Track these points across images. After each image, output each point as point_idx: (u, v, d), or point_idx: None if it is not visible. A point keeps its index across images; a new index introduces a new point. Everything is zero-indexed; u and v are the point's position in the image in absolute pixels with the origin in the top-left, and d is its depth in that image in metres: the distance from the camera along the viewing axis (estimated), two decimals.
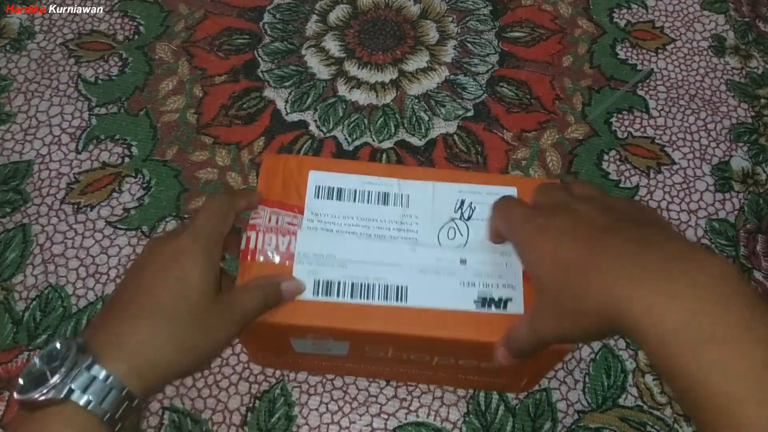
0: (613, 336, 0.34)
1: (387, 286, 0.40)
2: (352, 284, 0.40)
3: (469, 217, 0.42)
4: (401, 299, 0.39)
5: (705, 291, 0.27)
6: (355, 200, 0.43)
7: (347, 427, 0.51)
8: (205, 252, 0.35)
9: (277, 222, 0.42)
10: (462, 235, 0.42)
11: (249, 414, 0.51)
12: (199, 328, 0.34)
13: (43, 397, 0.29)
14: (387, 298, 0.39)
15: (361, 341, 0.41)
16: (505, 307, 0.39)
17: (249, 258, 0.40)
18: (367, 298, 0.39)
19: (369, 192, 0.43)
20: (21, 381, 0.30)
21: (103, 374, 0.30)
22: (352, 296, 0.39)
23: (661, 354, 0.27)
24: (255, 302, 0.37)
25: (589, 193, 0.36)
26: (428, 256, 0.41)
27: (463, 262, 0.40)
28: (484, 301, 0.39)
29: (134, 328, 0.32)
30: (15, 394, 0.29)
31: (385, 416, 0.51)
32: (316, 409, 0.51)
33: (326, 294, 0.40)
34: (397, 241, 0.41)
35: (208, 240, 0.36)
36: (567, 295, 0.31)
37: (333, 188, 0.43)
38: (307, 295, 0.40)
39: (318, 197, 0.43)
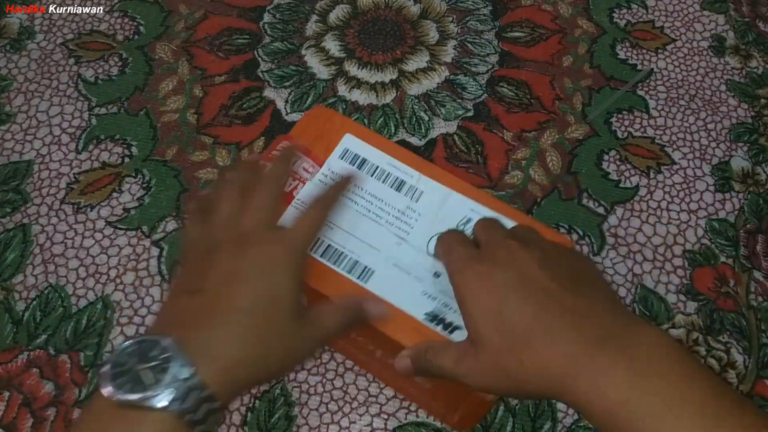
0: (548, 399, 0.34)
1: (356, 262, 0.40)
2: (327, 246, 0.41)
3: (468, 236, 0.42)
4: (363, 279, 0.40)
5: (642, 366, 0.28)
6: (372, 175, 0.44)
7: (347, 427, 0.51)
8: (297, 265, 0.35)
9: (294, 163, 0.44)
10: None
11: (249, 414, 0.51)
12: (283, 344, 0.33)
13: (141, 403, 0.28)
14: (351, 272, 0.40)
15: (313, 299, 0.41)
16: (451, 332, 0.38)
17: None
18: (334, 264, 0.40)
19: (388, 174, 0.44)
20: (111, 371, 0.29)
21: (201, 386, 0.29)
22: (322, 255, 0.40)
23: (605, 428, 0.28)
24: (338, 324, 0.36)
25: (530, 236, 0.36)
26: (408, 256, 0.41)
27: (436, 275, 0.40)
28: (435, 318, 0.39)
29: (230, 344, 0.31)
30: (107, 387, 0.28)
31: (385, 416, 0.51)
32: (316, 409, 0.51)
33: None
34: (389, 231, 0.42)
35: (301, 253, 0.35)
36: (510, 358, 0.31)
37: (358, 156, 0.45)
38: None
39: (342, 158, 0.45)
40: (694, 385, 0.28)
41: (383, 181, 0.44)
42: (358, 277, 0.40)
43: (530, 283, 0.32)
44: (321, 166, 0.44)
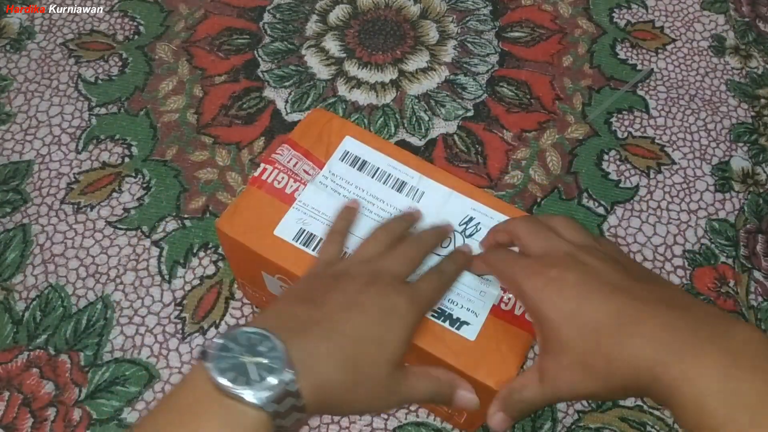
0: (634, 396, 0.33)
1: None
2: None
3: (470, 235, 0.43)
4: None
5: (735, 358, 0.27)
6: (373, 177, 0.45)
7: (347, 427, 0.51)
8: (413, 322, 0.35)
9: (295, 165, 0.44)
10: (455, 247, 0.42)
11: None
12: (374, 387, 0.33)
13: (240, 395, 0.28)
14: None
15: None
16: (459, 328, 0.39)
17: (257, 186, 0.43)
18: None
19: (389, 175, 0.45)
20: (214, 352, 0.29)
21: (297, 394, 0.29)
22: None
23: (695, 419, 0.27)
24: (424, 394, 0.35)
25: (580, 237, 0.36)
26: None
27: None
28: (442, 314, 0.39)
29: (330, 366, 0.31)
30: (213, 370, 0.28)
31: (385, 416, 0.51)
32: None
33: (305, 244, 0.41)
34: None
35: (423, 312, 0.36)
36: (597, 356, 0.30)
37: (359, 158, 0.45)
38: (288, 237, 0.41)
39: (342, 160, 0.45)
40: None
41: (384, 183, 0.44)
42: None
43: (604, 281, 0.32)
44: (321, 168, 0.45)
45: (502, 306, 0.40)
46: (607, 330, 0.30)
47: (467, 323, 0.39)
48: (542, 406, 0.34)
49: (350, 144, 0.46)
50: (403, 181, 0.44)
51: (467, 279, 0.40)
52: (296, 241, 0.41)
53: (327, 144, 0.46)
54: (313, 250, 0.41)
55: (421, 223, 0.43)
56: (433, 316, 0.39)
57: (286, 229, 0.42)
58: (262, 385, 0.28)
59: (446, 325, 0.39)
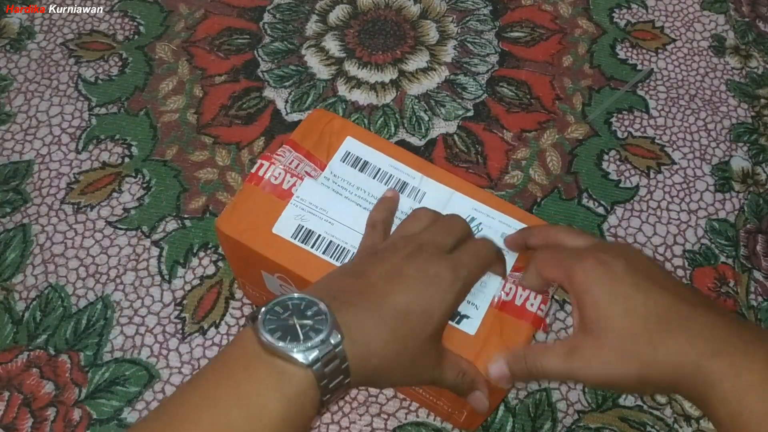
0: (659, 392, 0.34)
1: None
2: (330, 242, 0.41)
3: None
4: None
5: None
6: (374, 177, 0.44)
7: (347, 427, 0.51)
8: (456, 299, 0.35)
9: (297, 167, 0.44)
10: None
11: None
12: (415, 358, 0.33)
13: (290, 354, 0.28)
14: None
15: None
16: (459, 322, 0.39)
17: (254, 183, 0.43)
18: (338, 260, 0.41)
19: (391, 175, 0.45)
20: (266, 316, 0.29)
21: (342, 356, 0.29)
22: (325, 252, 0.41)
23: (733, 414, 0.28)
24: (449, 381, 0.36)
25: (593, 241, 0.37)
26: None
27: None
28: None
29: (374, 333, 0.31)
30: (262, 329, 0.29)
31: (385, 416, 0.51)
32: None
33: (304, 241, 0.41)
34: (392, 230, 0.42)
35: (466, 285, 0.35)
36: (642, 343, 0.31)
37: (360, 159, 0.45)
38: (286, 235, 0.41)
39: (343, 161, 0.45)
40: None
41: (386, 183, 0.44)
42: None
43: (652, 277, 0.32)
44: (323, 169, 0.44)
45: (503, 296, 0.39)
46: (656, 320, 0.31)
47: (467, 317, 0.39)
48: (553, 378, 0.35)
49: (351, 144, 0.46)
50: (405, 182, 0.44)
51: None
52: (294, 239, 0.41)
53: (328, 145, 0.45)
54: (312, 247, 0.41)
55: None
56: None
57: (285, 226, 0.42)
58: (310, 344, 0.28)
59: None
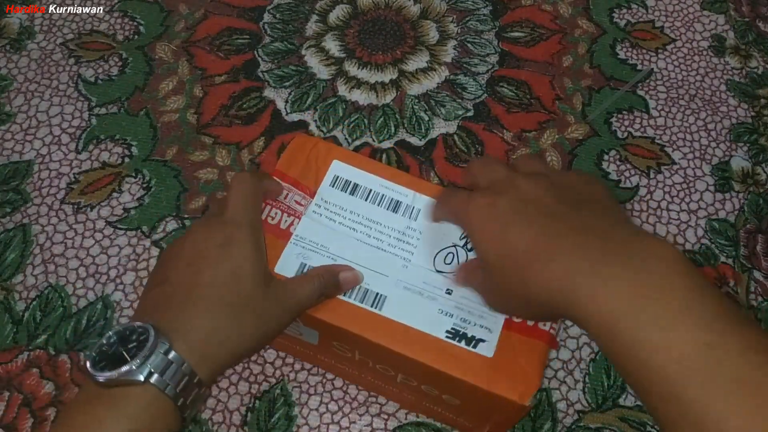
0: (558, 318, 0.35)
1: (367, 290, 0.40)
2: None
3: (472, 248, 0.42)
4: (377, 306, 0.40)
5: (646, 277, 0.28)
6: (366, 199, 0.44)
7: (347, 427, 0.51)
8: (252, 240, 0.36)
9: (286, 197, 0.43)
10: (458, 262, 0.42)
11: (249, 414, 0.51)
12: (255, 318, 0.34)
13: (124, 378, 0.29)
14: (363, 301, 0.40)
15: (328, 334, 0.41)
16: (475, 346, 0.39)
17: None
18: (345, 295, 0.40)
19: (382, 195, 0.44)
20: (94, 357, 0.30)
21: (178, 360, 0.30)
22: None
23: (606, 340, 0.28)
24: (310, 292, 0.37)
25: (535, 168, 0.36)
26: (417, 277, 0.41)
27: (448, 292, 0.40)
28: (456, 334, 0.39)
29: (199, 319, 0.32)
30: (91, 370, 0.29)
31: (385, 416, 0.51)
32: (316, 409, 0.51)
33: None
34: (392, 254, 0.42)
35: (252, 227, 0.37)
36: (514, 279, 0.31)
37: (350, 182, 0.44)
38: (289, 273, 0.40)
39: (333, 186, 0.44)
40: (699, 299, 0.27)
41: (378, 204, 0.43)
42: (372, 306, 0.39)
43: (534, 206, 0.32)
44: (312, 196, 0.43)
45: (515, 318, 0.39)
46: (524, 255, 0.31)
47: (483, 340, 0.39)
48: (477, 289, 0.38)
49: (339, 168, 0.45)
50: (398, 201, 0.44)
51: (476, 296, 0.40)
52: None
53: (315, 171, 0.44)
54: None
55: (421, 235, 0.43)
56: (448, 337, 0.39)
57: (287, 265, 0.41)
58: (137, 360, 0.29)
59: (462, 344, 0.38)
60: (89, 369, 0.29)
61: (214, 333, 0.32)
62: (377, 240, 0.42)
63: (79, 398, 0.30)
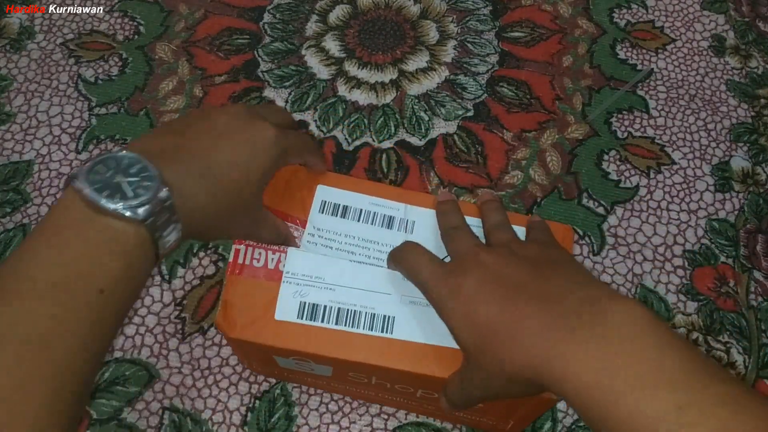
0: (540, 392, 0.35)
1: (374, 315, 0.39)
2: (338, 309, 0.39)
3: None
4: (387, 330, 0.39)
5: (612, 344, 0.28)
6: (359, 220, 0.43)
7: (347, 427, 0.51)
8: (276, 160, 0.36)
9: None
10: None
11: (249, 414, 0.51)
12: (236, 219, 0.35)
13: (120, 212, 0.28)
14: (372, 328, 0.39)
15: (343, 367, 0.41)
16: None
17: (237, 272, 0.40)
18: (352, 326, 0.39)
19: (375, 213, 0.43)
20: (94, 180, 0.28)
21: (172, 208, 0.30)
22: (337, 322, 0.39)
23: (582, 411, 0.29)
24: (265, 237, 0.39)
25: (498, 234, 0.38)
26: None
27: None
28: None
29: (199, 182, 0.32)
30: (92, 194, 0.28)
31: (385, 416, 0.51)
32: (316, 409, 0.51)
33: (311, 318, 0.39)
34: (393, 271, 0.41)
35: (284, 153, 0.37)
36: (490, 359, 0.32)
37: (339, 205, 0.43)
38: (291, 317, 0.39)
39: (322, 212, 0.43)
40: (666, 359, 0.28)
41: (372, 223, 0.43)
42: (382, 331, 0.39)
43: (496, 281, 0.33)
44: (303, 226, 0.42)
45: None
46: (493, 334, 0.31)
47: None
48: (465, 404, 0.36)
49: (325, 192, 0.43)
50: (391, 216, 0.43)
51: None
52: (301, 319, 0.39)
53: (301, 200, 0.43)
54: (322, 321, 0.39)
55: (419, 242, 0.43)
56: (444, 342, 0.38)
57: (286, 308, 0.39)
58: (140, 201, 0.28)
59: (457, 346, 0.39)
60: (89, 192, 0.28)
61: (203, 209, 0.32)
62: (377, 260, 0.41)
63: (62, 213, 0.29)
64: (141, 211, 0.28)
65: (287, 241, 0.41)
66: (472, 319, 0.32)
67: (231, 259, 0.40)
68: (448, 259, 0.40)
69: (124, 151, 0.30)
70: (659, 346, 0.28)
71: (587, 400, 0.28)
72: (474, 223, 0.43)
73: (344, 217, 0.42)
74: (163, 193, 0.29)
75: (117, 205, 0.28)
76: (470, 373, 0.34)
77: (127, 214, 0.28)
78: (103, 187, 0.28)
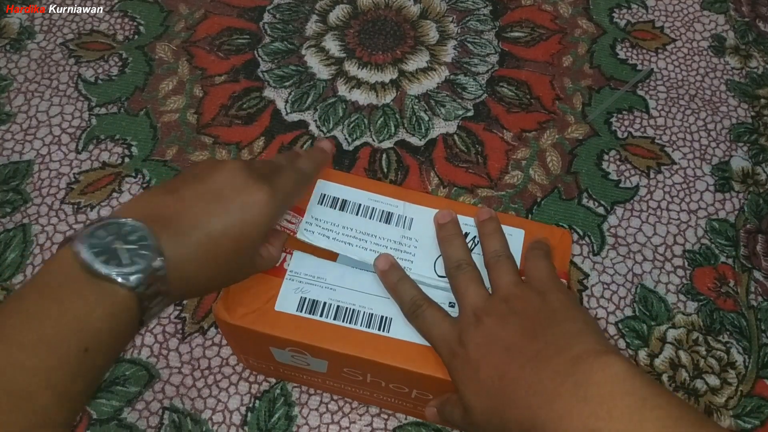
0: None
1: (372, 314, 0.40)
2: (338, 307, 0.40)
3: (470, 250, 0.42)
4: (384, 329, 0.40)
5: (594, 407, 0.30)
6: (357, 214, 0.43)
7: (347, 427, 0.51)
8: (274, 216, 0.37)
9: None
10: None
11: (249, 414, 0.51)
12: (229, 278, 0.37)
13: (113, 277, 0.29)
14: (370, 326, 0.40)
15: (339, 362, 0.41)
16: None
17: None
18: (350, 323, 0.40)
19: (373, 209, 0.44)
20: (89, 239, 0.30)
21: (164, 278, 0.31)
22: (335, 318, 0.40)
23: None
24: (268, 266, 0.40)
25: (503, 292, 0.38)
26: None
27: (452, 305, 0.40)
28: None
29: (191, 252, 0.33)
30: (89, 258, 0.29)
31: (385, 416, 0.51)
32: (316, 409, 0.51)
33: (310, 312, 0.40)
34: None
35: (281, 205, 0.38)
36: (494, 418, 0.34)
37: (337, 199, 0.44)
38: (291, 309, 0.40)
39: (321, 204, 0.44)
40: (647, 416, 0.29)
41: (370, 217, 0.43)
42: (379, 329, 0.40)
43: (498, 345, 0.35)
44: (302, 215, 0.43)
45: None
46: (495, 396, 0.34)
47: None
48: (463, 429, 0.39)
49: (325, 187, 0.44)
50: (389, 212, 0.44)
51: None
52: (300, 312, 0.40)
53: None
54: (321, 316, 0.40)
55: (418, 242, 0.43)
56: None
57: (287, 301, 0.40)
58: (133, 268, 0.30)
59: None
60: (86, 254, 0.29)
61: (192, 274, 0.33)
62: (374, 252, 0.42)
63: (58, 269, 0.30)
64: (133, 278, 0.30)
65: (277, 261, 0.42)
66: (476, 384, 0.35)
67: None
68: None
69: (129, 219, 0.31)
70: (638, 405, 0.29)
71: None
72: (470, 222, 0.44)
73: (343, 210, 0.44)
74: (157, 263, 0.31)
75: (111, 271, 0.29)
76: (473, 423, 0.36)
77: (119, 280, 0.29)
78: (101, 252, 0.30)
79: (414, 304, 0.39)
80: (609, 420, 0.29)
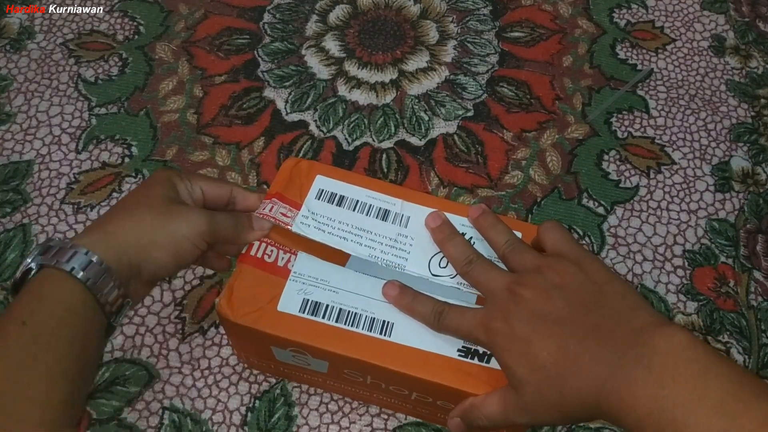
0: (589, 420, 0.37)
1: (373, 319, 0.40)
2: (340, 309, 0.40)
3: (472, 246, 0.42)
4: (385, 333, 0.40)
5: (658, 375, 0.30)
6: (354, 210, 0.44)
7: (347, 427, 0.51)
8: (166, 192, 0.39)
9: (271, 210, 0.43)
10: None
11: (249, 414, 0.51)
12: (160, 227, 0.37)
13: (54, 264, 0.33)
14: (371, 330, 0.40)
15: (339, 364, 0.41)
16: (488, 361, 0.39)
17: (246, 263, 0.42)
18: (352, 326, 0.40)
19: (370, 205, 0.44)
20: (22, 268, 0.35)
21: (96, 258, 0.34)
22: (337, 320, 0.40)
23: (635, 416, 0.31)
24: (227, 228, 0.40)
25: (530, 263, 0.38)
26: (418, 289, 0.41)
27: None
28: (468, 351, 0.39)
29: (110, 229, 0.36)
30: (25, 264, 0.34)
31: (385, 416, 0.51)
32: (316, 409, 0.51)
33: (312, 314, 0.40)
34: (388, 270, 0.41)
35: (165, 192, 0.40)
36: (550, 392, 0.34)
37: (335, 194, 0.44)
38: (293, 310, 0.40)
39: (318, 199, 0.44)
40: (710, 383, 0.29)
41: (367, 214, 0.43)
42: (381, 333, 0.40)
43: (547, 320, 0.35)
44: (298, 209, 0.43)
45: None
46: (554, 369, 0.34)
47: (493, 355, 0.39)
48: (499, 427, 0.38)
49: (323, 182, 0.45)
50: (386, 210, 0.44)
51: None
52: (303, 313, 0.40)
53: (299, 186, 0.44)
54: (323, 317, 0.40)
55: (414, 241, 0.43)
56: (460, 355, 0.39)
57: (290, 302, 0.40)
58: (66, 253, 0.34)
59: (475, 361, 0.39)
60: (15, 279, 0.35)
61: (131, 244, 0.35)
62: (369, 248, 0.42)
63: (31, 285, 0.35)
64: (71, 264, 0.33)
65: (244, 222, 0.42)
66: (529, 357, 0.34)
67: (244, 251, 0.42)
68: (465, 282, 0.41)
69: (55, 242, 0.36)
70: (704, 371, 0.30)
71: (643, 430, 0.30)
72: (465, 222, 0.44)
73: (340, 206, 0.44)
74: (81, 249, 0.34)
75: (50, 262, 0.34)
76: (523, 403, 0.35)
77: (58, 265, 0.33)
78: (51, 255, 0.35)
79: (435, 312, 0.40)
80: (674, 387, 0.30)
